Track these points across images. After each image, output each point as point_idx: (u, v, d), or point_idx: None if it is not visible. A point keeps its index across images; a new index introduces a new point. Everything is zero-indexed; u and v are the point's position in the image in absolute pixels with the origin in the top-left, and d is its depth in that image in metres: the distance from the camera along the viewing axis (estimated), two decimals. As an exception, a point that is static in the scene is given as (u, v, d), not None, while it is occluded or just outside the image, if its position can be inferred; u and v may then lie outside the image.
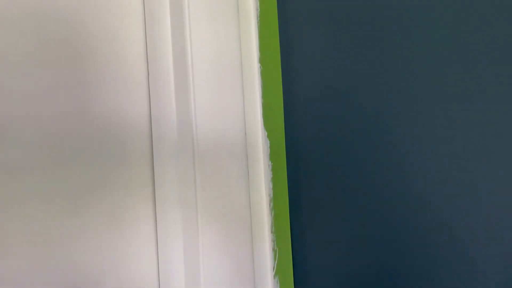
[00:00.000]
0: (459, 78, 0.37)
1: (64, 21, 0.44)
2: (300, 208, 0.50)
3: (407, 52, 0.40)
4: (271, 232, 0.49)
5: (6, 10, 0.41)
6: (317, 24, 0.48)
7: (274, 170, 0.50)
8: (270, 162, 0.50)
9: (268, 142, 0.50)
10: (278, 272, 0.50)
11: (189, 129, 0.46)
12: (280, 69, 0.52)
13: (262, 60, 0.50)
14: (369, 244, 0.44)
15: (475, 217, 0.36)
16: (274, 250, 0.50)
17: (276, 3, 0.52)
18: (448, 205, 0.38)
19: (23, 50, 0.41)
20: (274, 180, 0.50)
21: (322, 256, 0.48)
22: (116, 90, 0.47)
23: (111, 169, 0.46)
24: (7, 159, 0.40)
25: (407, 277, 0.41)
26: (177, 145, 0.46)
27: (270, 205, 0.50)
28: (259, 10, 0.51)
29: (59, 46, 0.44)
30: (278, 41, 0.52)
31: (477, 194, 0.36)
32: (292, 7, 0.50)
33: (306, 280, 0.50)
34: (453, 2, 0.37)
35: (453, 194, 0.38)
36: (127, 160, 0.48)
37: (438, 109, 0.38)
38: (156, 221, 0.49)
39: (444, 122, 0.38)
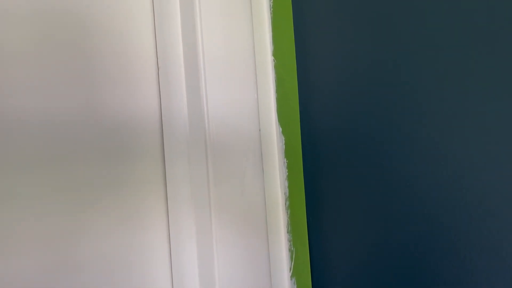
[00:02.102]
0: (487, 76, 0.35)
1: (74, 18, 0.44)
2: (317, 207, 0.49)
3: (431, 41, 0.38)
4: (287, 231, 0.48)
5: (19, 7, 0.40)
6: (332, 14, 0.46)
7: (290, 167, 0.49)
8: (285, 159, 0.48)
9: (283, 138, 0.48)
10: (295, 273, 0.48)
11: (201, 125, 0.45)
12: (295, 62, 0.50)
13: (275, 53, 0.49)
14: (389, 244, 0.42)
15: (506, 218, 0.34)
16: (290, 250, 0.48)
17: (290, -7, 0.50)
18: (480, 204, 0.36)
19: (34, 48, 0.41)
20: (290, 178, 0.49)
21: (340, 257, 0.47)
22: (126, 86, 0.47)
23: (122, 165, 0.46)
24: (18, 156, 0.39)
25: (427, 277, 0.39)
26: (189, 141, 0.45)
27: (286, 204, 0.48)
28: (272, 1, 0.49)
29: (69, 43, 0.43)
30: (293, 33, 0.50)
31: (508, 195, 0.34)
32: (307, -3, 0.49)
33: (324, 282, 0.49)
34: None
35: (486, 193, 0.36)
36: (138, 157, 0.47)
37: (465, 105, 0.36)
38: (168, 218, 0.48)
39: (476, 117, 0.36)
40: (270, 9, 0.49)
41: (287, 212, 0.48)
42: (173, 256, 0.48)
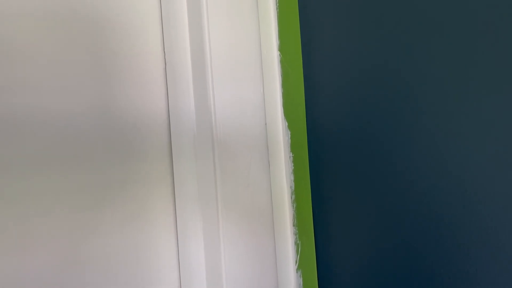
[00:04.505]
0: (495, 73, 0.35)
1: (81, 17, 0.44)
2: (322, 200, 0.49)
3: (438, 34, 0.38)
4: (293, 225, 0.48)
5: (28, 7, 0.40)
6: (338, 8, 0.46)
7: (296, 161, 0.49)
8: (291, 153, 0.49)
9: (289, 132, 0.49)
10: (301, 265, 0.49)
11: (208, 121, 0.45)
12: (301, 57, 0.50)
13: (282, 48, 0.49)
14: (395, 237, 0.42)
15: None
16: (296, 243, 0.48)
17: (295, -13, 0.50)
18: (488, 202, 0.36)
19: (43, 47, 0.41)
20: (296, 171, 0.49)
21: (346, 249, 0.47)
22: (134, 85, 0.47)
23: (129, 163, 0.46)
24: (26, 155, 0.40)
25: (434, 272, 0.39)
26: (196, 138, 0.46)
27: (291, 197, 0.48)
28: (278, -4, 0.49)
29: (74, 40, 0.43)
30: (299, 28, 0.50)
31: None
32: (313, -8, 0.49)
33: (329, 274, 0.49)
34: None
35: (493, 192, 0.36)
36: (146, 155, 0.47)
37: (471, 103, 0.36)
38: (176, 216, 0.49)
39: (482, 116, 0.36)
40: (276, 4, 0.49)
41: (293, 206, 0.49)
42: (181, 251, 0.48)
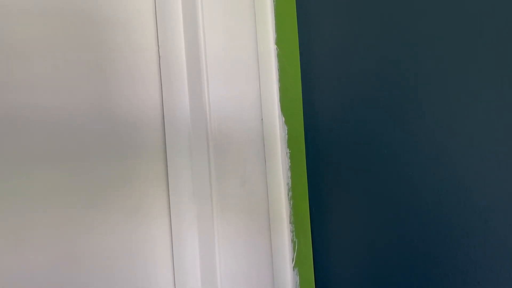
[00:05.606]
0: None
1: (75, 12, 0.43)
2: (319, 197, 0.49)
3: (440, 29, 0.37)
4: (290, 222, 0.48)
5: (22, 5, 0.40)
6: (336, 1, 0.45)
7: (292, 157, 0.48)
8: (288, 150, 0.48)
9: (286, 128, 0.48)
10: (298, 263, 0.48)
11: (202, 117, 0.45)
12: (298, 51, 0.49)
13: (278, 42, 0.48)
14: (392, 235, 0.42)
15: None
16: (293, 241, 0.48)
17: (293, -21, 0.49)
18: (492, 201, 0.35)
19: (36, 44, 0.41)
20: (293, 168, 0.48)
21: (343, 247, 0.47)
22: (128, 82, 0.46)
23: (124, 160, 0.45)
24: (19, 154, 0.39)
25: (433, 270, 0.39)
26: (191, 135, 0.45)
27: (288, 194, 0.48)
28: (275, -12, 0.48)
29: (69, 38, 0.43)
30: (296, 21, 0.49)
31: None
32: (310, -16, 0.48)
33: (326, 272, 0.49)
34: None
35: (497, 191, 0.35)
36: (140, 152, 0.47)
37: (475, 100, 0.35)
38: (170, 213, 0.48)
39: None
40: (273, -3, 0.48)
41: (290, 203, 0.48)
42: (175, 249, 0.48)
